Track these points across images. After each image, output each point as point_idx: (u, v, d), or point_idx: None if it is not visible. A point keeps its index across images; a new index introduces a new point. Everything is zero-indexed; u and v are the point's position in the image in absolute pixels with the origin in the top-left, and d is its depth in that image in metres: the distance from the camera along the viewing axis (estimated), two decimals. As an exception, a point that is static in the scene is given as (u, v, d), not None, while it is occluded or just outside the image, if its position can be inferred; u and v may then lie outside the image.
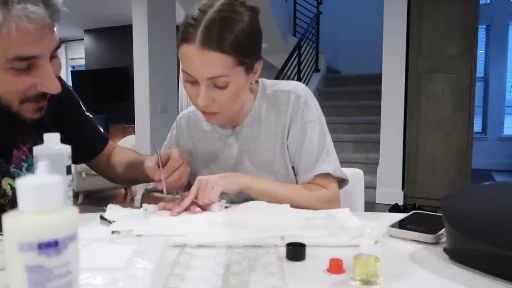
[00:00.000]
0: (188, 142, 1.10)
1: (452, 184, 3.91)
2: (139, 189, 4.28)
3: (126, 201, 4.59)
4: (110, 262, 0.57)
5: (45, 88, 0.77)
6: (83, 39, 7.74)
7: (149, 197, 1.05)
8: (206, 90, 0.86)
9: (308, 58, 6.17)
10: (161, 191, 0.92)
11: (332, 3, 7.14)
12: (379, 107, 4.21)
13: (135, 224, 0.76)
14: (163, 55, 4.24)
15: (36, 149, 0.68)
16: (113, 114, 6.95)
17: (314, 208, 0.87)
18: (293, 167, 1.03)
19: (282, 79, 4.38)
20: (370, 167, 4.25)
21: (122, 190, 4.89)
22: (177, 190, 0.98)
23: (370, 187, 4.10)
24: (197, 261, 0.58)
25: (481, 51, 6.43)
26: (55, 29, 0.74)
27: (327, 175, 0.99)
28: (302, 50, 5.72)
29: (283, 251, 0.62)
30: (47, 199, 0.33)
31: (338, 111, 5.42)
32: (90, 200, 4.53)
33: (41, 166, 0.35)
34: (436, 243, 0.68)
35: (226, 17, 0.83)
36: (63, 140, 0.71)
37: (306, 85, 1.31)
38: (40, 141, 0.71)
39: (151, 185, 1.08)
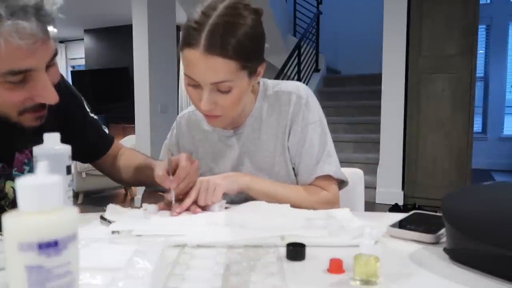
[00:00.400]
0: (189, 142, 1.10)
1: (452, 184, 3.91)
2: (139, 189, 4.28)
3: (126, 201, 4.59)
4: (110, 262, 0.57)
5: (42, 99, 0.75)
6: (83, 39, 7.74)
7: (149, 197, 1.05)
8: (209, 95, 0.85)
9: (308, 58, 6.17)
10: (163, 191, 0.92)
11: (332, 3, 7.14)
12: (379, 107, 4.21)
13: (135, 224, 0.76)
14: (163, 55, 4.24)
15: (36, 149, 0.68)
16: (113, 114, 6.95)
17: (314, 209, 0.87)
18: (293, 168, 1.03)
19: (282, 79, 4.38)
20: (370, 167, 4.25)
21: (122, 190, 4.89)
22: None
23: (370, 187, 4.10)
24: (197, 261, 0.58)
25: (481, 51, 6.43)
26: (51, 39, 0.72)
27: (328, 177, 0.99)
28: (302, 50, 5.72)
29: (283, 251, 0.62)
30: (47, 199, 0.33)
31: (338, 111, 5.42)
32: (90, 200, 4.53)
33: (41, 166, 0.35)
34: (436, 243, 0.68)
35: (229, 21, 0.82)
36: (67, 141, 0.70)
37: (306, 85, 1.31)
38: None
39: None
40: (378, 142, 4.26)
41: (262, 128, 1.02)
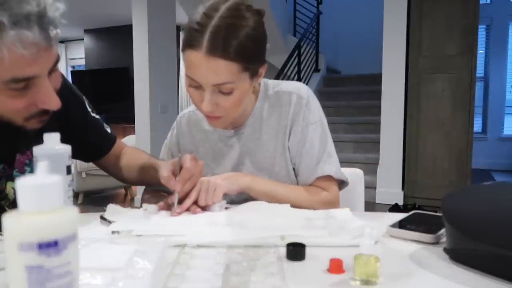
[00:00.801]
0: (189, 142, 1.10)
1: (452, 184, 3.91)
2: (139, 189, 4.28)
3: (126, 201, 4.59)
4: (110, 262, 0.57)
5: (44, 105, 0.75)
6: (83, 39, 7.74)
7: (149, 197, 1.05)
8: (211, 96, 0.85)
9: (308, 58, 6.17)
10: (164, 190, 0.92)
11: (332, 3, 7.14)
12: (379, 107, 4.21)
13: (135, 224, 0.76)
14: (163, 55, 4.24)
15: (36, 149, 0.68)
16: (113, 114, 6.94)
17: (314, 209, 0.87)
18: (294, 169, 1.03)
19: (282, 79, 4.38)
20: (370, 167, 4.25)
21: (122, 190, 4.89)
22: None
23: (370, 187, 4.10)
24: (197, 261, 0.58)
25: (481, 51, 6.43)
26: (54, 45, 0.71)
27: (328, 177, 0.99)
28: (302, 50, 5.72)
29: (283, 251, 0.62)
30: (47, 199, 0.33)
31: (338, 111, 5.42)
32: (90, 200, 4.53)
33: (41, 166, 0.35)
34: (436, 243, 0.68)
35: (231, 23, 0.82)
36: (68, 141, 0.70)
37: (306, 85, 1.31)
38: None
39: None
40: (378, 142, 4.26)
41: (262, 128, 1.02)
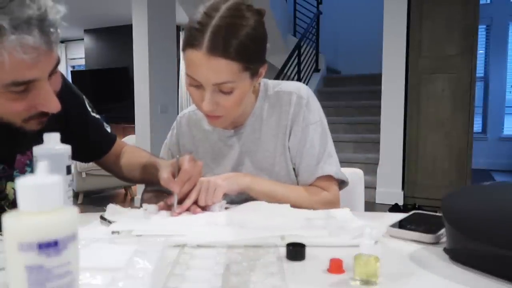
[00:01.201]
0: (189, 142, 1.10)
1: (452, 184, 3.91)
2: (139, 189, 4.28)
3: (126, 201, 4.59)
4: (110, 262, 0.57)
5: (44, 108, 0.75)
6: (83, 39, 7.74)
7: (149, 197, 1.05)
8: (211, 95, 0.85)
9: (308, 58, 6.17)
10: (164, 190, 0.91)
11: (332, 3, 7.14)
12: (379, 107, 4.21)
13: (135, 224, 0.76)
14: (163, 55, 4.23)
15: (36, 149, 0.68)
16: (113, 114, 6.94)
17: (314, 209, 0.87)
18: (294, 169, 1.03)
19: (282, 79, 4.39)
20: (370, 167, 4.25)
21: (122, 190, 4.89)
22: None
23: (370, 187, 4.10)
24: (197, 261, 0.58)
25: (481, 51, 6.43)
26: (54, 48, 0.71)
27: (328, 177, 0.99)
28: (302, 50, 5.72)
29: (283, 251, 0.62)
30: (47, 199, 0.33)
31: (338, 111, 5.42)
32: (90, 200, 4.53)
33: (41, 166, 0.35)
34: (436, 243, 0.68)
35: (232, 23, 0.82)
36: (68, 141, 0.70)
37: (306, 85, 1.31)
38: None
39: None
40: (378, 142, 4.26)
41: (262, 128, 1.02)
